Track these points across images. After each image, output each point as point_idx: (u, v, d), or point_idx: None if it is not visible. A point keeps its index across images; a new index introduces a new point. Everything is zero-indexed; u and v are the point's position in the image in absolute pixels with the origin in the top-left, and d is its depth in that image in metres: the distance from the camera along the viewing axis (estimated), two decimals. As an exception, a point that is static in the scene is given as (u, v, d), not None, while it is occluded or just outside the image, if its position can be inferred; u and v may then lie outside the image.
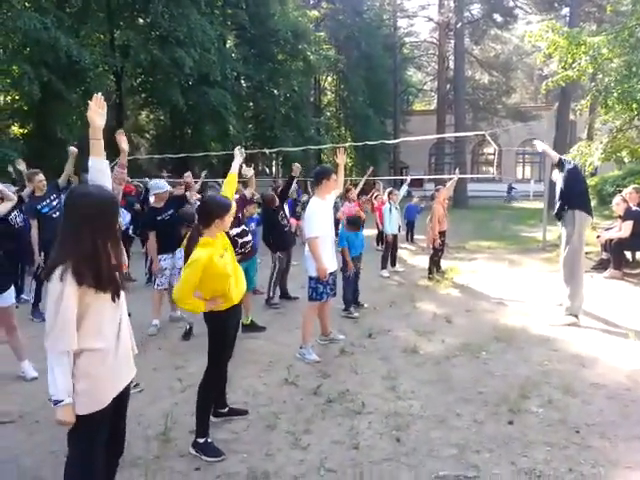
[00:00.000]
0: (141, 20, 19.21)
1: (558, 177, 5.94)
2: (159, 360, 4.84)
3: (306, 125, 25.45)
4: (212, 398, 3.38)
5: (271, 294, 6.92)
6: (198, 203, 7.00)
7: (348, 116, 31.89)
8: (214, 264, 3.03)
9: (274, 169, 35.47)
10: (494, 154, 27.58)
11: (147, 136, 28.04)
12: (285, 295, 7.26)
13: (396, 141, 16.68)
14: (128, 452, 3.09)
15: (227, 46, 22.62)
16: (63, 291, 1.97)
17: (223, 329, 3.30)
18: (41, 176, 6.25)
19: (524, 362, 4.64)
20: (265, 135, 24.74)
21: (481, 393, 4.00)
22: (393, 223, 8.87)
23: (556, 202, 5.93)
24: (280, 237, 6.86)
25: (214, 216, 3.10)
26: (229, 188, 3.76)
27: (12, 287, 4.36)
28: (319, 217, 4.76)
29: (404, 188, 10.09)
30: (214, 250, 3.08)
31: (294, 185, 7.45)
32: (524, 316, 6.09)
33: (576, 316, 5.68)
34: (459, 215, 18.81)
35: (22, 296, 6.82)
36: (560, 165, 5.89)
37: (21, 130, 18.31)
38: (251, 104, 25.83)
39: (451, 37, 30.31)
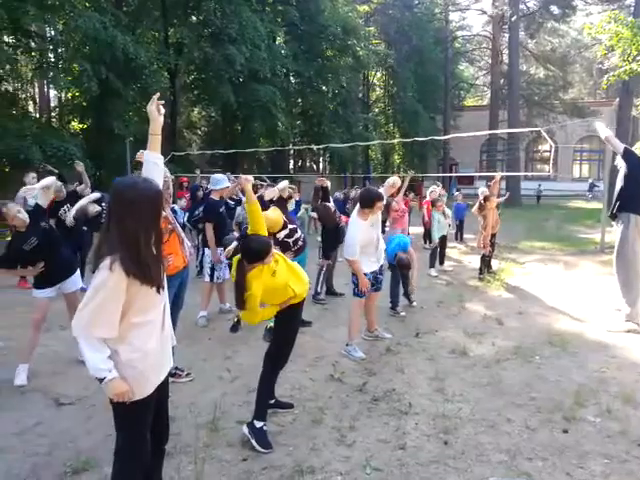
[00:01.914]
0: (194, 18, 19.65)
1: (621, 167, 5.55)
2: (209, 350, 4.94)
3: (354, 121, 25.37)
4: (273, 385, 3.50)
5: (318, 289, 6.95)
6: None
7: (397, 112, 31.53)
8: (269, 286, 3.16)
9: (321, 165, 35.59)
10: (550, 151, 26.62)
11: (199, 132, 28.74)
12: (331, 291, 7.26)
13: (446, 137, 16.45)
14: (178, 439, 3.20)
15: (277, 43, 22.83)
16: (108, 280, 1.97)
17: (292, 324, 3.45)
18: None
19: (579, 368, 4.45)
20: (313, 131, 24.87)
21: (534, 399, 3.87)
22: (442, 229, 8.68)
23: (613, 200, 5.60)
24: (333, 239, 6.88)
25: (256, 259, 3.12)
26: (257, 222, 3.32)
27: (78, 273, 4.56)
28: (360, 240, 4.71)
29: (444, 197, 9.63)
30: (264, 275, 3.15)
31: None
32: (579, 321, 5.85)
33: (637, 323, 5.40)
34: (511, 214, 18.24)
35: (82, 285, 7.12)
36: (626, 156, 5.48)
37: (80, 125, 19.15)
38: (299, 100, 25.99)
39: (505, 30, 29.43)
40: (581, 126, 26.84)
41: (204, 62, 18.37)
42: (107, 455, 2.96)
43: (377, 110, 33.67)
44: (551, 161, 26.30)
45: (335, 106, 24.74)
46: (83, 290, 4.76)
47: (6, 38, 13.90)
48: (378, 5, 30.33)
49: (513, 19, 26.58)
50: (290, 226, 5.33)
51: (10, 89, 17.19)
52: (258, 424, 3.24)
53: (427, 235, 10.81)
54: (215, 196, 6.03)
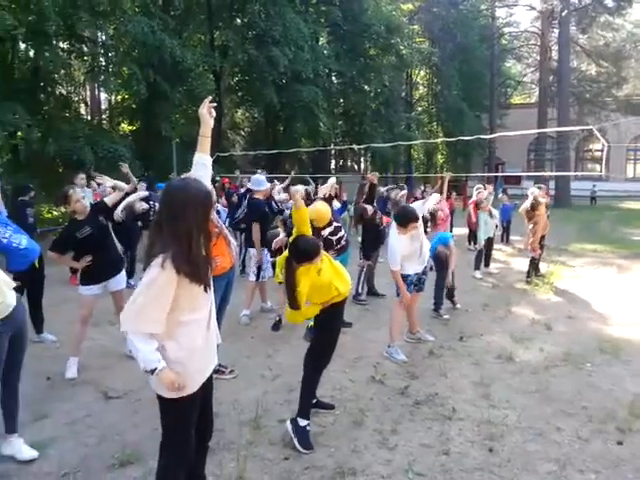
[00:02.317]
0: (239, 20, 19.94)
1: None
2: (251, 348, 4.99)
3: (396, 120, 25.12)
4: (317, 383, 3.49)
5: (359, 290, 6.90)
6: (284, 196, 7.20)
7: (441, 111, 30.99)
8: (315, 284, 3.19)
9: (362, 165, 35.44)
10: (602, 151, 25.56)
11: (242, 133, 29.16)
12: (372, 292, 7.21)
13: (492, 136, 16.03)
14: (222, 436, 3.24)
15: (320, 43, 22.88)
16: (159, 277, 1.99)
17: (334, 324, 3.45)
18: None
19: (633, 377, 4.25)
20: (354, 131, 24.77)
21: (585, 408, 3.71)
22: (488, 230, 8.44)
23: None
24: (374, 239, 6.83)
25: (305, 259, 3.15)
26: (304, 224, 3.34)
27: (123, 273, 4.68)
28: (401, 251, 4.68)
29: (491, 197, 9.24)
30: (311, 273, 3.18)
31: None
32: (633, 327, 5.58)
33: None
34: (561, 215, 17.62)
35: (130, 281, 7.35)
36: None
37: (130, 127, 19.78)
38: (341, 100, 25.94)
39: (555, 26, 28.42)
40: (636, 124, 25.64)
41: (248, 64, 18.61)
42: (152, 449, 3.03)
43: (420, 109, 33.21)
44: (603, 161, 25.18)
45: (377, 105, 24.55)
46: (130, 287, 4.95)
47: (61, 44, 14.50)
48: (422, 3, 29.91)
49: (564, 14, 25.66)
50: (335, 224, 5.33)
51: (64, 92, 17.93)
52: (302, 422, 3.25)
53: (472, 236, 10.56)
54: (259, 196, 6.08)
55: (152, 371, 2.06)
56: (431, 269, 5.68)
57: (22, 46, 14.52)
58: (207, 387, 2.38)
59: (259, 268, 6.00)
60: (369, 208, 6.59)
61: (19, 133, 12.11)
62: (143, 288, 2.02)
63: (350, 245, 5.65)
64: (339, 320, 3.55)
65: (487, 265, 8.82)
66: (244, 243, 6.99)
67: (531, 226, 7.76)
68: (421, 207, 5.05)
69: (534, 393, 3.99)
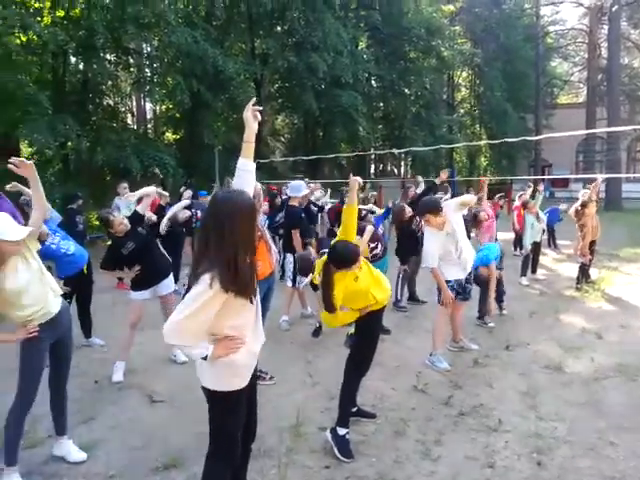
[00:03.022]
0: (279, 28, 20.19)
1: None
2: (291, 354, 5.00)
3: (438, 123, 24.78)
4: (356, 392, 3.46)
5: (399, 297, 6.81)
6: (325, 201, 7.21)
7: (484, 112, 30.37)
8: (350, 290, 3.18)
9: (402, 169, 35.12)
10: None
11: (282, 139, 29.45)
12: (413, 298, 7.09)
13: (539, 137, 15.54)
14: (262, 442, 3.24)
15: (359, 48, 22.87)
16: (205, 294, 2.00)
17: (375, 331, 3.40)
18: None
19: (695, 391, 4.00)
20: (394, 135, 24.61)
21: (641, 422, 3.52)
22: (535, 234, 8.15)
23: None
24: (411, 244, 6.71)
25: (343, 265, 3.14)
26: (351, 225, 3.31)
27: (171, 277, 4.78)
28: (435, 249, 4.57)
29: (539, 198, 8.85)
30: (347, 279, 3.17)
31: None
32: (694, 337, 5.26)
33: None
34: (612, 218, 16.87)
35: (175, 287, 7.51)
36: None
37: (174, 136, 20.31)
38: (381, 104, 25.83)
39: (604, 22, 27.36)
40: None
41: (288, 71, 18.80)
42: (194, 454, 3.08)
43: (462, 111, 32.64)
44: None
45: (418, 109, 24.31)
46: (176, 293, 5.04)
47: (108, 56, 15.05)
48: (464, 4, 29.45)
49: (614, 9, 24.68)
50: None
51: (111, 103, 18.58)
52: (341, 431, 3.22)
53: (518, 241, 10.25)
54: (294, 203, 6.09)
55: (204, 358, 2.11)
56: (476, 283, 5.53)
57: (72, 60, 15.19)
58: (253, 387, 2.41)
59: (295, 274, 6.00)
60: (407, 210, 6.47)
61: (69, 143, 12.62)
62: (189, 302, 2.03)
63: (388, 252, 5.58)
64: (377, 328, 3.51)
65: (534, 271, 8.52)
66: (282, 248, 7.02)
67: (580, 230, 7.47)
68: (453, 201, 4.86)
69: (585, 405, 3.82)
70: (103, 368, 4.57)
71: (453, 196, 12.97)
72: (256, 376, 2.48)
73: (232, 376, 2.23)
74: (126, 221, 4.43)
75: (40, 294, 2.85)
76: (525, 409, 3.79)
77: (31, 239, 2.86)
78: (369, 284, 3.26)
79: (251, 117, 2.44)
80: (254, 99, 2.53)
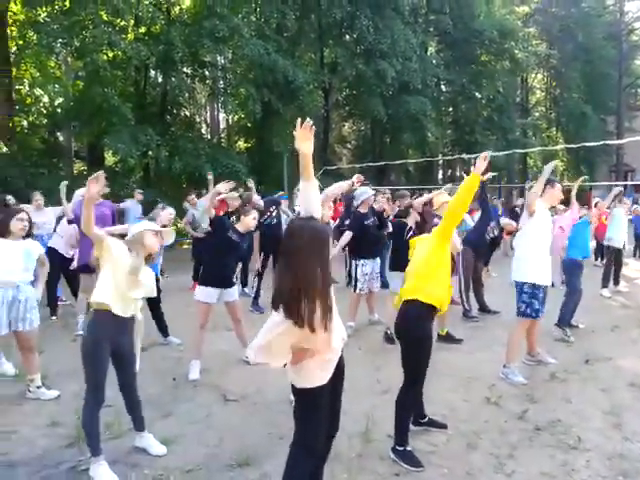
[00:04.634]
0: (348, 37, 20.35)
1: None
2: (359, 360, 4.98)
3: (510, 127, 23.92)
4: (412, 410, 3.39)
5: (467, 306, 6.64)
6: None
7: (560, 115, 28.99)
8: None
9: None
10: None
11: (349, 146, 29.57)
12: (484, 309, 6.89)
13: (622, 141, 14.61)
14: (332, 446, 3.26)
15: (429, 53, 22.58)
16: (281, 325, 2.13)
17: (429, 337, 3.27)
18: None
19: None
20: (464, 140, 24.00)
21: None
22: (622, 232, 7.66)
23: None
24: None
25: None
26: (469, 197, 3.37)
27: (235, 287, 4.95)
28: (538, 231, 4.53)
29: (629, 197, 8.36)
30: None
31: None
32: None
33: None
34: None
35: (245, 289, 7.76)
36: None
37: (245, 145, 20.95)
38: (450, 109, 25.33)
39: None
40: None
41: (356, 78, 18.89)
42: (266, 453, 3.17)
43: (537, 114, 31.32)
44: None
45: (489, 112, 23.61)
46: (245, 295, 5.21)
47: (186, 69, 15.82)
48: (539, 4, 28.31)
49: None
50: None
51: (188, 114, 19.50)
52: (400, 448, 3.19)
53: (599, 251, 9.70)
54: (361, 209, 6.03)
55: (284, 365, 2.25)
56: (562, 283, 5.32)
57: (152, 73, 16.10)
58: (339, 380, 2.48)
59: (356, 279, 5.98)
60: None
61: (150, 152, 13.36)
62: (271, 327, 2.16)
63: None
64: (431, 333, 3.33)
65: (616, 283, 8.03)
66: (348, 254, 7.04)
67: None
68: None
69: (677, 428, 3.56)
70: (180, 366, 4.79)
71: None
72: (342, 370, 2.53)
73: (318, 374, 2.31)
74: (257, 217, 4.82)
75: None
76: (608, 428, 3.58)
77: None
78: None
79: (300, 141, 2.32)
80: (307, 121, 2.34)
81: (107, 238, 3.10)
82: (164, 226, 4.87)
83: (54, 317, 6.46)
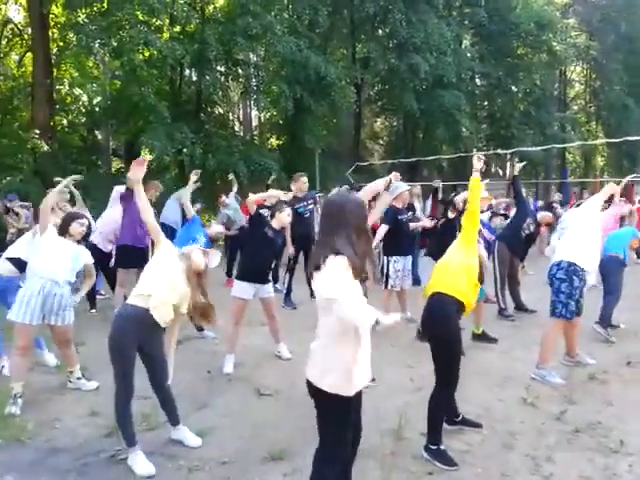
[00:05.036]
0: (380, 31, 20.18)
1: None
2: (392, 357, 4.95)
3: (548, 121, 23.27)
4: (445, 409, 3.34)
5: (502, 305, 6.52)
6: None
7: (600, 108, 28.05)
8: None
9: (508, 171, 33.43)
10: None
11: (381, 142, 29.36)
12: (520, 307, 6.75)
13: (666, 134, 14.01)
14: (364, 442, 3.24)
15: (463, 46, 22.18)
16: (341, 262, 2.16)
17: (456, 333, 3.24)
18: (305, 179, 7.10)
19: None
20: (500, 135, 23.47)
21: None
22: None
23: None
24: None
25: None
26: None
27: (270, 284, 4.99)
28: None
29: None
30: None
31: None
32: None
33: None
34: None
35: (276, 285, 7.81)
36: None
37: (277, 142, 21.07)
38: (486, 103, 24.81)
39: None
40: None
41: (389, 73, 18.74)
42: (300, 447, 3.19)
43: (576, 108, 30.39)
44: None
45: (526, 106, 23.04)
46: (278, 291, 5.26)
47: (219, 67, 16.01)
48: (579, -7, 27.43)
49: None
50: None
51: (221, 112, 19.73)
52: (433, 447, 3.15)
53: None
54: (396, 203, 5.96)
55: (376, 322, 2.17)
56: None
57: (187, 72, 16.35)
58: (359, 394, 2.45)
59: (387, 276, 5.93)
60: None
61: (184, 150, 13.59)
62: (334, 272, 2.15)
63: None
64: (456, 327, 3.30)
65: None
66: (382, 250, 7.00)
67: None
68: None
69: None
70: (215, 359, 4.87)
71: (565, 198, 12.16)
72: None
73: (350, 382, 2.28)
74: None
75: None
76: (652, 432, 3.46)
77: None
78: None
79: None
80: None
81: (162, 236, 3.24)
82: (212, 240, 5.10)
83: (93, 310, 6.67)
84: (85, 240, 4.31)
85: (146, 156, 3.21)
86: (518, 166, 6.64)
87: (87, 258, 4.31)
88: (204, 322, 3.45)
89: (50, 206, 4.18)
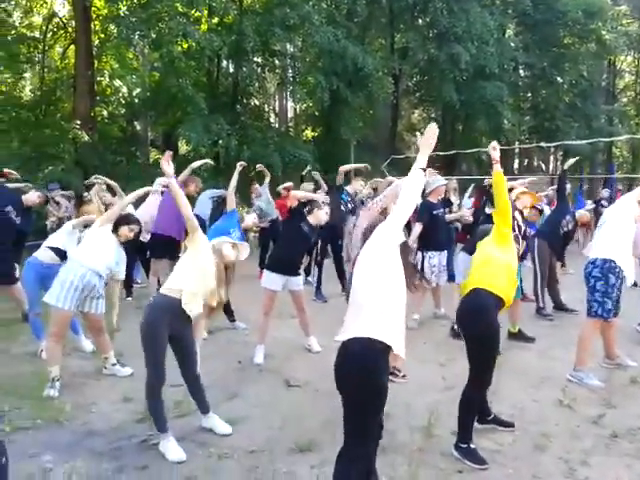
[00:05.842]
0: (420, 20, 19.80)
1: None
2: (423, 354, 4.90)
3: (595, 114, 22.39)
4: (477, 407, 3.26)
5: (541, 304, 6.33)
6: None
7: (651, 101, 26.82)
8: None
9: (551, 165, 32.40)
10: None
11: (418, 134, 28.93)
12: (560, 306, 6.54)
13: None
14: (393, 437, 3.26)
15: (506, 36, 21.53)
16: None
17: (493, 330, 3.11)
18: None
19: None
20: (543, 127, 22.74)
21: None
22: None
23: None
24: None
25: None
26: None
27: (300, 277, 5.02)
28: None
29: None
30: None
31: None
32: None
33: None
34: None
35: (308, 278, 7.83)
36: None
37: (312, 133, 21.03)
38: (529, 94, 24.06)
39: None
40: None
41: (428, 63, 18.40)
42: (327, 439, 3.18)
43: (625, 100, 29.11)
44: None
45: (572, 98, 22.22)
46: (309, 284, 5.26)
47: (256, 58, 16.05)
48: (631, -21, 26.15)
49: None
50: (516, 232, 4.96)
51: (257, 103, 19.80)
52: (463, 445, 3.09)
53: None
54: (431, 198, 5.85)
55: None
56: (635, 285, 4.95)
57: (224, 63, 16.47)
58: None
59: (422, 271, 5.81)
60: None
61: (220, 141, 13.71)
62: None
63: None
64: (495, 324, 3.16)
65: None
66: (417, 245, 6.88)
67: None
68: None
69: None
70: (246, 350, 4.93)
71: (610, 194, 11.72)
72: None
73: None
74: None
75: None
76: (697, 441, 3.30)
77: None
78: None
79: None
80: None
81: (199, 231, 3.26)
82: (246, 231, 5.25)
83: (129, 298, 6.85)
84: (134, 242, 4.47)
85: (168, 152, 3.28)
86: (570, 161, 6.43)
87: (123, 262, 4.40)
88: (209, 316, 3.48)
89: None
